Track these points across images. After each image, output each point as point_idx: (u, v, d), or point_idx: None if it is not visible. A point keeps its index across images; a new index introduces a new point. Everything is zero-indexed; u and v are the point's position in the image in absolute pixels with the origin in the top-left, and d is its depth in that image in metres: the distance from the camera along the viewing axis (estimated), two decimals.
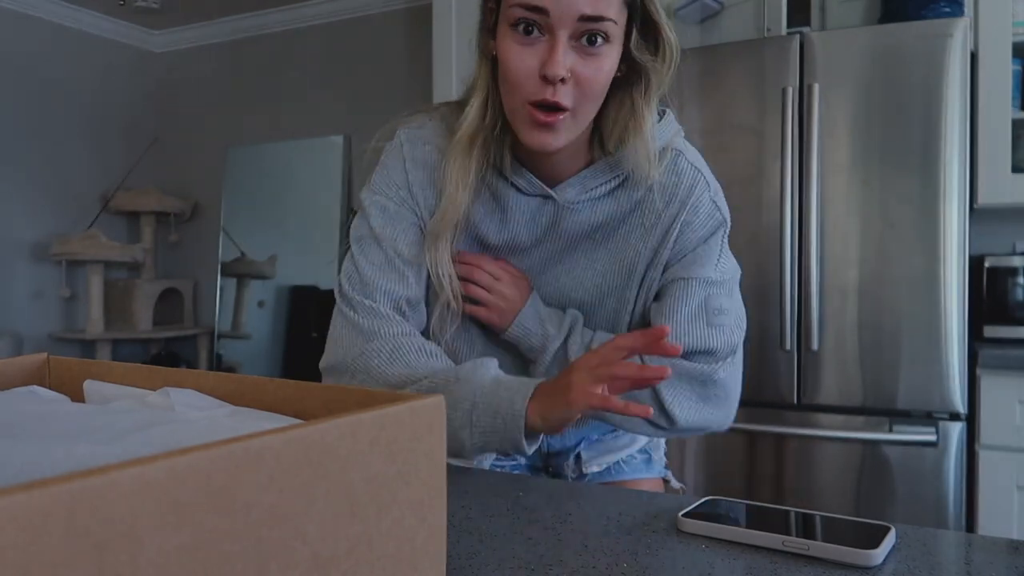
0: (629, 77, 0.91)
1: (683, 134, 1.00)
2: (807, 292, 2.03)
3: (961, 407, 1.93)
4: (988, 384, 1.95)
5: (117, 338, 3.65)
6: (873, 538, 0.60)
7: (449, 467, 0.84)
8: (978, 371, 1.96)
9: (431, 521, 0.43)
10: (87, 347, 3.70)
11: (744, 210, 2.12)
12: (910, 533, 0.65)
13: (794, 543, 0.60)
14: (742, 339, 0.97)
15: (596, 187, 0.95)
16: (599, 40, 0.84)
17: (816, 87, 2.03)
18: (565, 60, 0.83)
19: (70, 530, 0.26)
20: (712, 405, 0.95)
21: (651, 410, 0.79)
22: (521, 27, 0.84)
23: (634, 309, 0.99)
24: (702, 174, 0.98)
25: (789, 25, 2.32)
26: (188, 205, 3.97)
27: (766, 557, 0.60)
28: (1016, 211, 2.31)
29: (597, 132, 0.95)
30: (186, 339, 3.96)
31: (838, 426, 2.02)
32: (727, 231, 0.99)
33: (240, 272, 3.78)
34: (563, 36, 0.83)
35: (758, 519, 0.66)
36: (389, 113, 1.03)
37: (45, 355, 0.60)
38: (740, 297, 1.01)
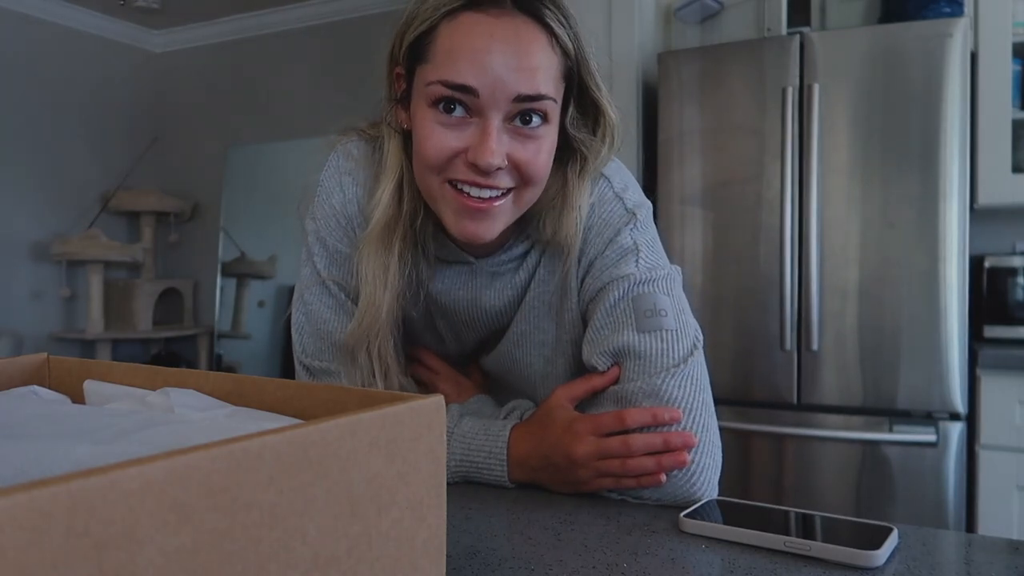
0: (563, 153, 0.81)
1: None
2: (807, 292, 2.03)
3: (961, 407, 1.93)
4: (988, 384, 1.95)
5: (117, 338, 3.65)
6: (875, 539, 0.60)
7: None
8: (978, 371, 1.96)
9: (431, 521, 0.43)
10: (87, 347, 3.70)
11: (744, 210, 2.12)
12: (910, 533, 0.64)
13: (795, 544, 0.60)
14: (696, 345, 0.80)
15: (516, 249, 0.87)
16: (536, 120, 0.73)
17: (816, 87, 2.03)
18: (499, 147, 0.72)
19: (70, 530, 0.26)
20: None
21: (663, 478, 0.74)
22: (442, 106, 0.72)
23: (575, 346, 0.88)
24: (601, 173, 0.86)
25: (789, 25, 2.32)
26: (188, 205, 3.97)
27: (767, 558, 0.59)
28: (1016, 211, 2.31)
29: (523, 221, 0.85)
30: (186, 339, 3.96)
31: (838, 426, 2.02)
32: (641, 222, 0.85)
33: (240, 272, 3.78)
34: (496, 119, 0.72)
35: (759, 519, 0.65)
36: None
37: (45, 355, 0.60)
38: (684, 297, 0.85)
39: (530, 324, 0.89)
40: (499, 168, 0.73)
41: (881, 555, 0.57)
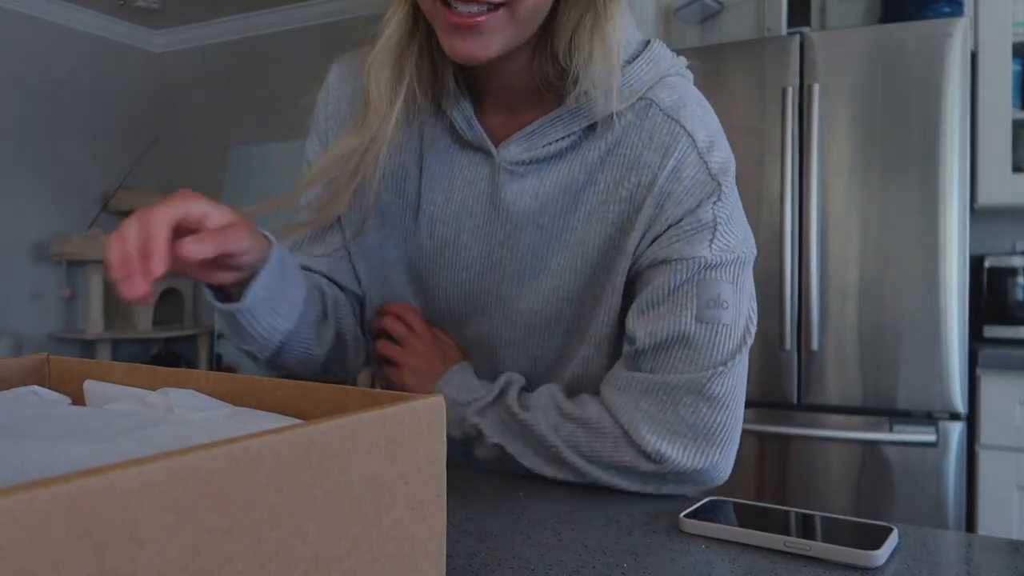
0: None
1: (680, 67, 0.82)
2: (807, 292, 2.03)
3: (961, 407, 1.93)
4: (988, 384, 1.95)
5: (117, 338, 3.65)
6: (875, 539, 0.60)
7: (449, 467, 0.84)
8: (978, 371, 1.96)
9: (431, 521, 0.43)
10: (87, 347, 3.70)
11: (744, 210, 2.12)
12: (910, 533, 0.64)
13: (795, 544, 0.60)
14: (746, 341, 0.77)
15: (545, 145, 0.78)
16: None
17: (816, 87, 2.03)
18: None
19: (70, 530, 0.26)
20: (703, 429, 0.76)
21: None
22: None
23: (610, 315, 0.80)
24: (682, 126, 0.77)
25: (789, 25, 2.32)
26: None
27: (767, 558, 0.59)
28: (1016, 211, 2.31)
29: (548, 55, 0.75)
30: (186, 339, 3.96)
31: (838, 426, 2.02)
32: (725, 193, 0.78)
33: None
34: None
35: (759, 519, 0.65)
36: None
37: (45, 355, 0.60)
38: (752, 285, 0.79)
39: (537, 253, 0.80)
40: None
41: (881, 555, 0.57)
